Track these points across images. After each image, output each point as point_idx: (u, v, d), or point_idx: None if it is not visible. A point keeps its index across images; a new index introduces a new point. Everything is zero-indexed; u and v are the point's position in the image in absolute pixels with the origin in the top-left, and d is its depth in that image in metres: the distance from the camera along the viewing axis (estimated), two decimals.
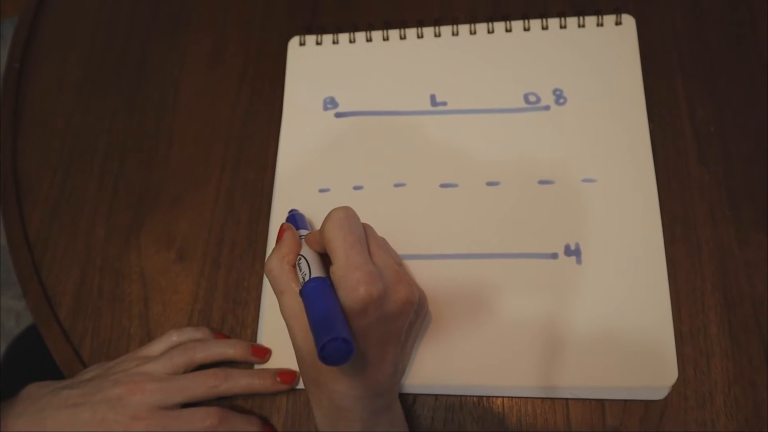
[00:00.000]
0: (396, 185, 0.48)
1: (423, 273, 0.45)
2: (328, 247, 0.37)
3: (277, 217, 0.49)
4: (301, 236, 0.41)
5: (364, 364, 0.37)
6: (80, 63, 0.58)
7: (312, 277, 0.37)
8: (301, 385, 0.44)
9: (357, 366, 0.37)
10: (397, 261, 0.43)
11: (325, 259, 0.39)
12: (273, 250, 0.40)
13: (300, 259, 0.39)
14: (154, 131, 0.54)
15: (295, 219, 0.44)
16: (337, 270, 0.36)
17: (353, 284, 0.35)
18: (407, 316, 0.38)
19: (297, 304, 0.37)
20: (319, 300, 0.36)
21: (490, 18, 0.52)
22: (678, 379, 0.41)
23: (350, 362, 0.35)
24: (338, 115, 0.51)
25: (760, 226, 0.45)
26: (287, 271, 0.39)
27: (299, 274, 0.38)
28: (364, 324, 0.36)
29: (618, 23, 0.50)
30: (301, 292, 0.37)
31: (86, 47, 0.58)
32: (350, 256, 0.36)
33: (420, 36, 0.53)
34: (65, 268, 0.50)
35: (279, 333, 0.45)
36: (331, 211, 0.38)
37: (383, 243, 0.41)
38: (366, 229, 0.40)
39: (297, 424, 0.44)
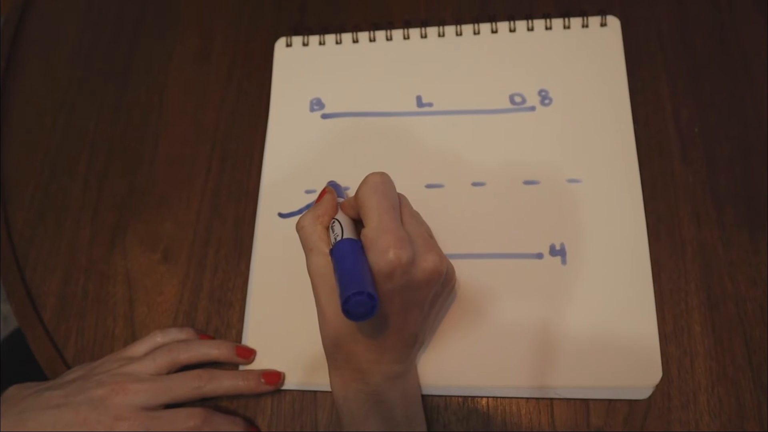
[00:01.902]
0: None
1: None
2: (361, 211, 0.38)
3: (264, 218, 0.49)
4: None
5: (384, 328, 0.37)
6: (66, 63, 0.57)
7: (344, 238, 0.38)
8: (286, 386, 0.44)
9: (377, 329, 0.37)
10: (429, 233, 0.42)
11: (359, 226, 0.39)
12: (308, 209, 0.41)
13: (334, 222, 0.39)
14: (139, 132, 0.54)
15: (333, 187, 0.45)
16: (369, 232, 0.36)
17: (383, 247, 0.35)
18: (433, 286, 0.38)
19: (324, 263, 0.38)
20: (349, 257, 0.36)
21: (476, 19, 0.53)
22: (662, 378, 0.42)
23: (371, 324, 0.36)
24: (325, 116, 0.51)
25: (744, 226, 0.45)
26: (319, 230, 0.39)
27: (331, 235, 0.39)
28: (389, 288, 0.36)
29: (603, 25, 0.51)
30: (331, 250, 0.38)
31: (72, 47, 0.58)
32: (383, 220, 0.36)
33: (406, 37, 0.53)
34: (50, 269, 0.50)
35: (264, 333, 0.46)
36: (368, 175, 0.38)
37: (416, 214, 0.41)
38: (400, 198, 0.40)
39: (282, 425, 0.44)
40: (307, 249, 0.39)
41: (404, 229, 0.37)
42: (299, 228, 0.40)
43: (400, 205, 0.39)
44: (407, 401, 0.40)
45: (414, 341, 0.40)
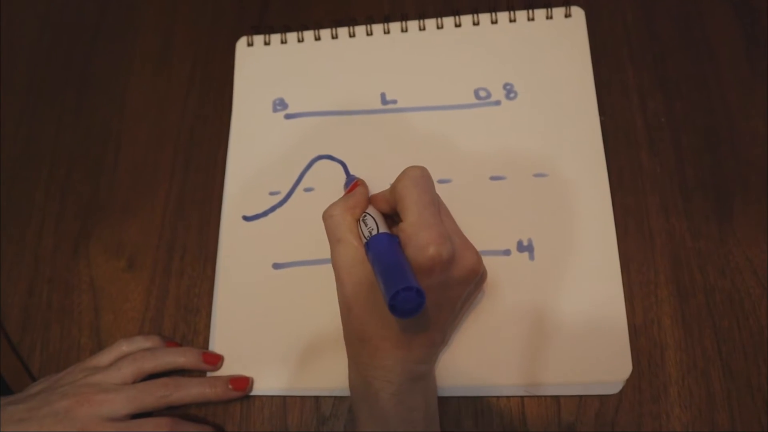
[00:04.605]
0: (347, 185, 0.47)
1: None
2: (400, 204, 0.37)
3: (228, 222, 0.48)
4: None
5: (415, 325, 0.36)
6: (26, 69, 0.56)
7: (380, 232, 0.36)
8: (254, 392, 0.44)
9: (408, 325, 0.36)
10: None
11: (388, 222, 0.38)
12: (339, 200, 0.40)
13: (366, 216, 0.38)
14: (101, 137, 0.53)
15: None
16: (408, 227, 0.35)
17: (423, 243, 0.34)
18: (468, 284, 0.37)
19: (351, 255, 0.37)
20: (390, 252, 0.35)
21: (439, 13, 0.52)
22: (632, 372, 0.41)
23: (402, 320, 0.34)
24: (288, 116, 0.50)
25: (712, 216, 0.45)
26: (349, 221, 0.38)
27: (365, 229, 0.37)
28: (425, 285, 0.34)
29: (567, 16, 0.50)
30: (368, 243, 0.36)
31: (31, 52, 0.57)
32: (423, 215, 0.35)
33: (369, 33, 0.52)
34: (13, 280, 0.49)
35: (231, 339, 0.45)
36: (407, 168, 0.37)
37: (449, 212, 0.40)
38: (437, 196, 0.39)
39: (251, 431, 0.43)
40: (334, 239, 0.38)
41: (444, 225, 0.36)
42: (327, 217, 0.39)
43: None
44: (427, 403, 0.39)
45: (441, 340, 0.39)
